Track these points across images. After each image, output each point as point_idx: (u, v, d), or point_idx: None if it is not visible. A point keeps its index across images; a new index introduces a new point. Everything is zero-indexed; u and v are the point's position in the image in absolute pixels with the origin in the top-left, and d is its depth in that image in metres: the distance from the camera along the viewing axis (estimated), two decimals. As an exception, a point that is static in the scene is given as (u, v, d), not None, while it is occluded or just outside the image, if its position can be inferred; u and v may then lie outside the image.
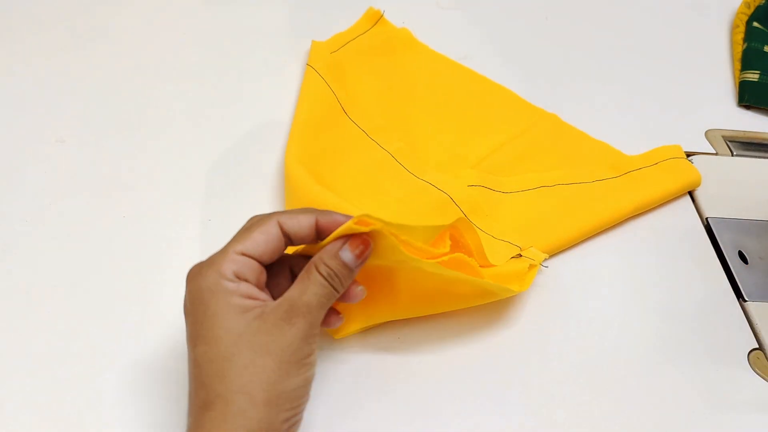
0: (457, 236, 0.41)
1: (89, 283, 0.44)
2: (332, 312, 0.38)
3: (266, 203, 0.50)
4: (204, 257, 0.46)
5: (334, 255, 0.35)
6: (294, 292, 0.34)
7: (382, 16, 0.64)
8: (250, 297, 0.34)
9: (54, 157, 0.51)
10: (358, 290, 0.37)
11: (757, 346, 0.46)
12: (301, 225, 0.36)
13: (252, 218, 0.37)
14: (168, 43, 0.61)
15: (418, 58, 0.62)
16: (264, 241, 0.35)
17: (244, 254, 0.35)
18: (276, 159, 0.53)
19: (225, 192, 0.50)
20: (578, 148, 0.56)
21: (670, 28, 0.70)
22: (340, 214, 0.36)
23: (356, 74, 0.59)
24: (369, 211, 0.38)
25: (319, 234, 0.36)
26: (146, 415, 0.39)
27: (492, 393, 0.42)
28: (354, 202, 0.48)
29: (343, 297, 0.37)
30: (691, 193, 0.55)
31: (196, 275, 0.35)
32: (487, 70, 0.62)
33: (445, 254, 0.38)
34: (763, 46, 0.67)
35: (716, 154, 0.59)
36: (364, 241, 0.35)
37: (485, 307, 0.45)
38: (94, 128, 0.54)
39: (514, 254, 0.46)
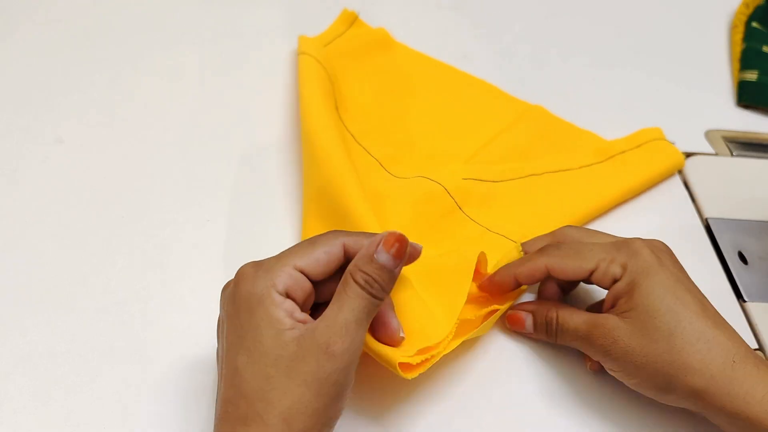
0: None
1: (88, 284, 0.44)
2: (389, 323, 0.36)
3: (266, 203, 0.50)
4: (203, 258, 0.46)
5: (370, 259, 0.33)
6: (331, 311, 0.33)
7: (357, 17, 0.62)
8: (291, 316, 0.33)
9: (53, 157, 0.51)
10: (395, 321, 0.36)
11: (757, 347, 0.46)
12: None
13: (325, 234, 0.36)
14: (168, 43, 0.61)
15: (398, 59, 0.61)
16: (325, 262, 0.34)
17: (302, 271, 0.34)
18: (274, 159, 0.53)
19: (224, 192, 0.50)
20: (564, 137, 0.57)
21: (669, 28, 0.70)
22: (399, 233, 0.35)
23: (338, 77, 0.57)
24: (366, 215, 0.39)
25: None
26: (144, 416, 0.39)
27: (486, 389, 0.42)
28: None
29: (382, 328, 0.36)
30: (691, 194, 0.55)
31: (248, 277, 0.34)
32: (486, 70, 0.61)
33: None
34: (762, 45, 0.67)
35: (716, 154, 0.59)
36: (399, 238, 0.33)
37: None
38: (94, 128, 0.53)
39: (508, 250, 0.45)
